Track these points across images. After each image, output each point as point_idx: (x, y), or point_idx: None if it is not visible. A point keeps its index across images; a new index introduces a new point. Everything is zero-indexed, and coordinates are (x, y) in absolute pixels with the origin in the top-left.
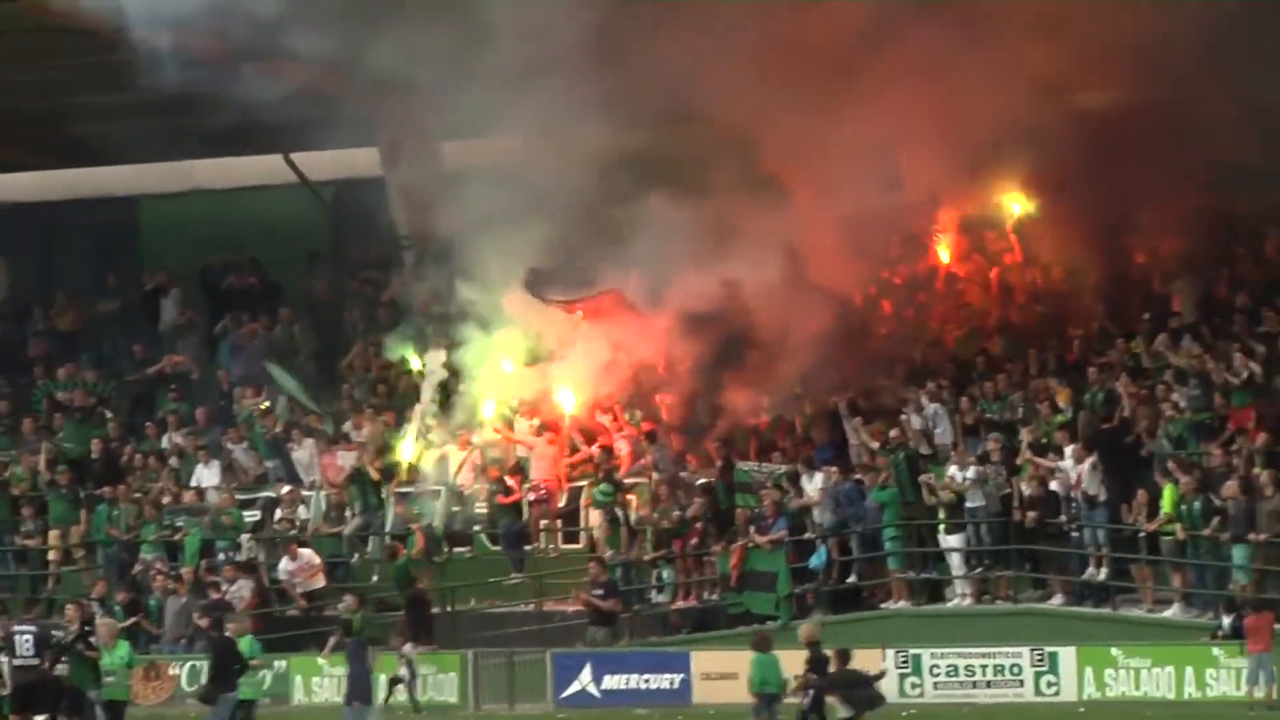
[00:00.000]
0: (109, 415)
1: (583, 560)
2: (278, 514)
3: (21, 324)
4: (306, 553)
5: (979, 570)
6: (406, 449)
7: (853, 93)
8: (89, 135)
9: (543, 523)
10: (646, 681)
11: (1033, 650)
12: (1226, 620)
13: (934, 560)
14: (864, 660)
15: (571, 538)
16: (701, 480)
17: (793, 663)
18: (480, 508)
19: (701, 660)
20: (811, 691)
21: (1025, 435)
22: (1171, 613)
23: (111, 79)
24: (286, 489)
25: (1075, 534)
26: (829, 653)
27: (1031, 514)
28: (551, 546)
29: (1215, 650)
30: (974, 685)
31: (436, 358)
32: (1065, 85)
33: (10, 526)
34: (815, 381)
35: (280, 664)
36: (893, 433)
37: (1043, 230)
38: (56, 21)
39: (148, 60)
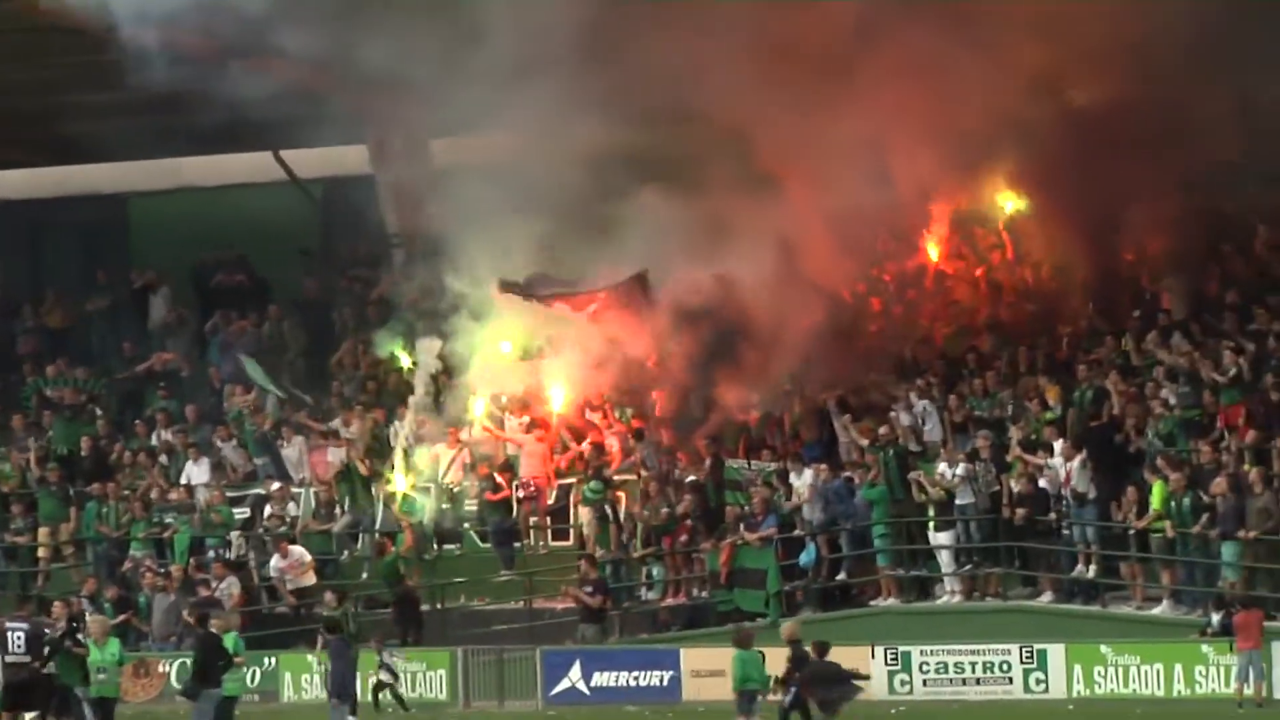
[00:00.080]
0: (99, 413)
1: (572, 557)
2: (267, 511)
3: (11, 321)
4: (297, 550)
5: (968, 567)
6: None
7: (844, 90)
8: (78, 133)
9: (532, 520)
10: (636, 679)
11: (1022, 647)
12: (1215, 617)
13: (923, 557)
14: (853, 658)
15: (561, 535)
16: (691, 478)
17: (777, 660)
18: (470, 505)
19: (691, 657)
20: (794, 689)
21: (1015, 432)
22: (1161, 610)
23: (101, 77)
24: (276, 486)
25: (1064, 531)
26: (809, 649)
27: (1021, 511)
28: (541, 544)
29: (1204, 648)
30: (963, 683)
31: (429, 348)
32: (1056, 83)
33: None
34: (806, 378)
35: (269, 661)
36: (882, 430)
37: (1033, 227)
38: (46, 20)
39: (136, 58)
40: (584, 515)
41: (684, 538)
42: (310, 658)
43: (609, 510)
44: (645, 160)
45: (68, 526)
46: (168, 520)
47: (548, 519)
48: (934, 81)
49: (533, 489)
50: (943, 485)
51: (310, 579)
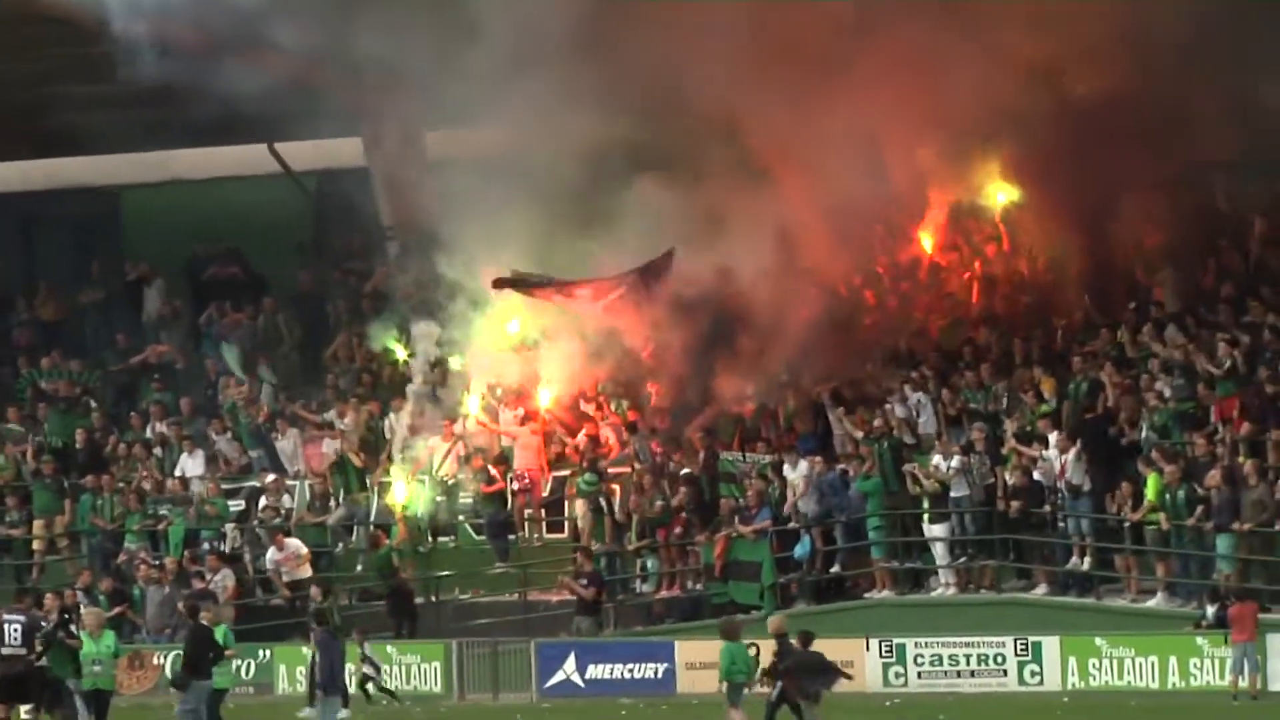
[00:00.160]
0: (93, 405)
1: (567, 550)
2: (262, 503)
3: (4, 314)
4: (293, 542)
5: (963, 560)
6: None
7: (839, 83)
8: (71, 125)
9: (527, 512)
10: (631, 671)
11: (1016, 640)
12: (1210, 610)
13: (918, 550)
14: (848, 650)
15: (556, 528)
16: (685, 470)
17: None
18: (465, 497)
19: (686, 650)
20: (779, 683)
21: (1009, 425)
22: (1155, 602)
23: (93, 70)
24: (271, 478)
25: (1059, 524)
26: (794, 640)
27: (1015, 504)
28: (536, 536)
29: (1199, 640)
30: (958, 675)
31: (427, 334)
32: (1051, 74)
33: None
34: (802, 370)
35: (264, 653)
36: (876, 422)
37: (1028, 220)
38: (38, 13)
39: (128, 51)
40: (579, 508)
41: (679, 530)
42: (305, 650)
43: (604, 503)
44: (641, 153)
45: (62, 519)
46: (162, 513)
47: (542, 511)
48: (929, 74)
49: (527, 481)
50: (937, 477)
51: (306, 571)
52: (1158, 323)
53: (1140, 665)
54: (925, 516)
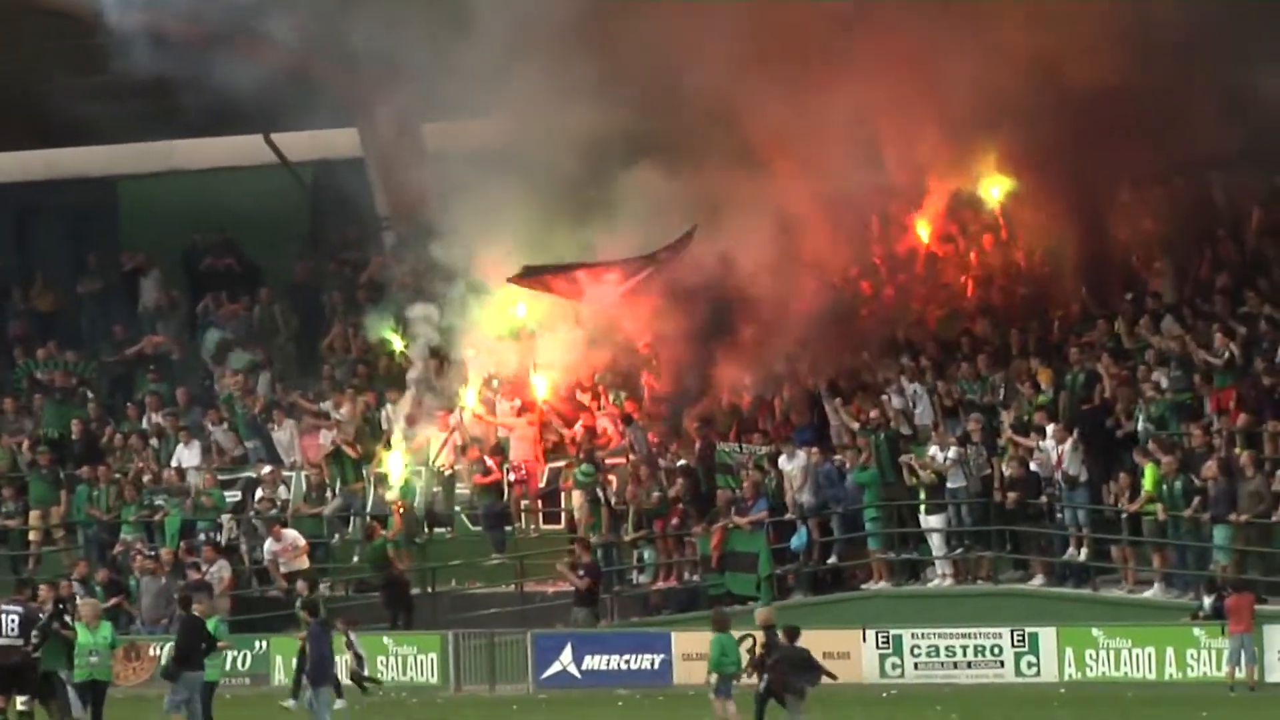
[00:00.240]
0: (89, 396)
1: (564, 541)
2: (258, 494)
3: (0, 305)
4: (291, 534)
5: (959, 551)
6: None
7: (837, 73)
8: (67, 116)
9: (523, 503)
10: (627, 662)
11: (1013, 631)
12: (1207, 601)
13: (914, 541)
14: (844, 642)
15: (552, 518)
16: (682, 461)
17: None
18: (461, 488)
19: (682, 641)
20: (767, 675)
21: (1006, 416)
22: (1152, 593)
23: (89, 61)
24: (267, 469)
25: (1056, 515)
26: (781, 634)
27: (1012, 495)
28: (532, 527)
29: (1196, 631)
30: (954, 666)
31: (425, 317)
32: (1049, 67)
33: None
34: (799, 361)
35: (260, 644)
36: (873, 413)
37: (1025, 211)
38: (35, 4)
39: (123, 43)
40: (575, 499)
41: (675, 521)
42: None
43: (600, 494)
44: (638, 142)
45: (58, 510)
46: (158, 503)
47: (539, 502)
48: (927, 65)
49: (523, 472)
50: (934, 468)
51: (304, 563)
52: (1154, 314)
53: (1137, 656)
54: (922, 507)
